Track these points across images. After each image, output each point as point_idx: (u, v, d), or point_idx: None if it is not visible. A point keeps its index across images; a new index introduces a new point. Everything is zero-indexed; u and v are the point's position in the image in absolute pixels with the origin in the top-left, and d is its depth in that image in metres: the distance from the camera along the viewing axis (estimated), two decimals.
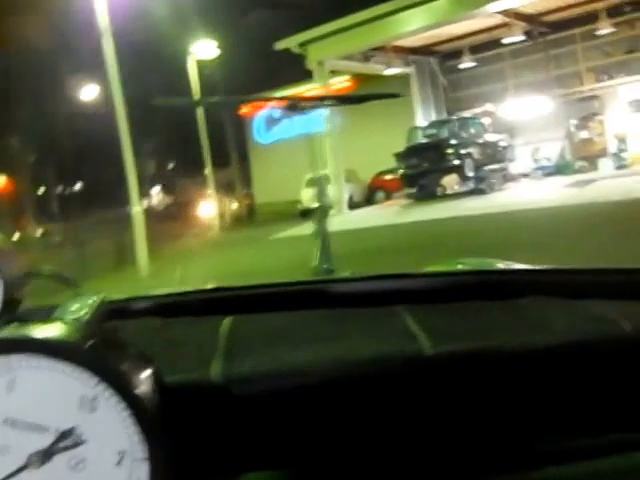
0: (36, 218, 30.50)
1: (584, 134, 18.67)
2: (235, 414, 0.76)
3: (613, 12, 17.69)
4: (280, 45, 17.40)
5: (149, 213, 19.24)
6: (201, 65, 20.92)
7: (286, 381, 0.78)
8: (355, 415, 0.77)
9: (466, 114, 19.61)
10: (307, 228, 17.03)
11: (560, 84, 19.21)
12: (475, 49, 20.10)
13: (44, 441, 0.64)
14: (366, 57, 18.63)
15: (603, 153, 18.19)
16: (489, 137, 18.57)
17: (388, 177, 20.54)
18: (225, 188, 27.82)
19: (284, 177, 21.61)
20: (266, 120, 25.45)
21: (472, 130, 18.32)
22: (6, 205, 29.74)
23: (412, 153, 18.01)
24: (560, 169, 18.48)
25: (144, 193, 13.59)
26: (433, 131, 18.65)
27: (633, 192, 11.64)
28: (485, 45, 19.82)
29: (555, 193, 14.43)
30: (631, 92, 18.30)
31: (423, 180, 18.02)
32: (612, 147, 18.01)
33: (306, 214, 20.68)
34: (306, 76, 18.77)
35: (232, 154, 28.95)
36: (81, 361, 0.63)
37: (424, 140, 18.60)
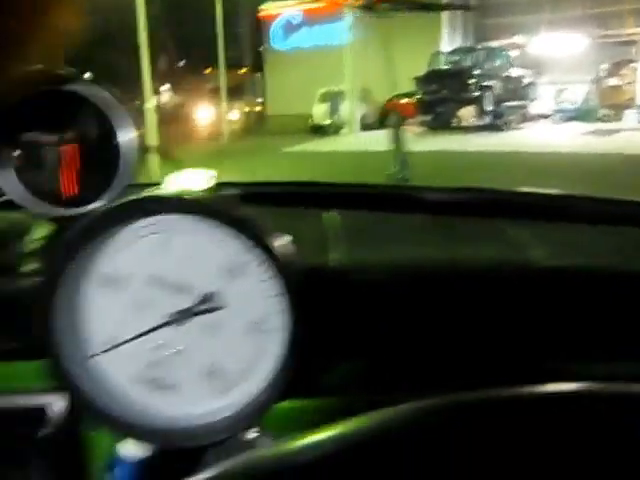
0: None
1: (614, 81, 17.86)
2: (351, 301, 0.84)
3: None
4: None
5: (157, 112, 18.95)
6: None
7: (403, 275, 0.87)
8: (462, 314, 0.85)
9: (493, 44, 19.08)
10: (319, 144, 16.94)
11: (598, 23, 18.57)
12: None
13: (187, 301, 0.68)
14: None
15: (630, 104, 17.55)
16: (514, 72, 18.07)
17: (404, 101, 20.02)
18: (236, 93, 27.20)
19: (298, 89, 21.16)
20: (284, 25, 24.82)
21: (497, 62, 17.86)
22: None
23: (432, 79, 17.55)
24: (582, 115, 17.92)
25: (154, 90, 13.37)
26: (457, 58, 18.26)
27: None
28: None
29: (573, 140, 14.05)
30: None
31: (440, 108, 17.62)
32: None
33: (317, 130, 20.47)
34: None
35: (246, 58, 28.18)
36: (242, 227, 0.66)
37: (446, 67, 18.18)
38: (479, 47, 18.75)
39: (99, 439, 0.82)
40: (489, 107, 17.11)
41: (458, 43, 20.57)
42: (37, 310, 0.68)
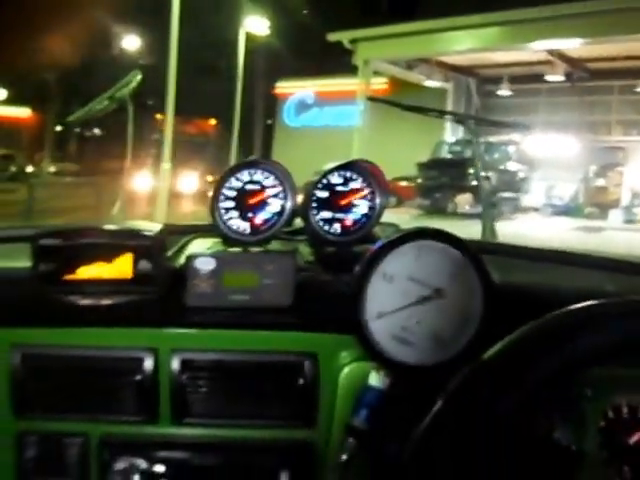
0: (52, 155, 30.46)
1: (601, 182, 18.82)
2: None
3: None
4: (333, 37, 17.49)
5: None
6: (249, 37, 21.12)
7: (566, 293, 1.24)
8: None
9: (493, 139, 19.81)
10: None
11: (589, 129, 19.53)
12: (514, 79, 20.38)
13: (425, 292, 1.07)
14: (409, 65, 18.94)
15: (615, 204, 18.39)
16: (510, 166, 18.79)
17: (403, 184, 20.62)
18: (199, 150, 27.32)
19: (303, 163, 21.56)
20: (298, 104, 25.90)
21: (496, 155, 18.55)
22: (26, 136, 29.85)
23: (434, 165, 18.29)
24: (570, 211, 18.68)
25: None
26: (458, 148, 18.96)
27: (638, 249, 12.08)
28: (525, 77, 20.06)
29: (563, 234, 14.64)
30: None
31: (438, 194, 18.22)
32: (625, 200, 18.29)
33: None
34: (344, 69, 19.00)
35: (257, 131, 29.03)
36: (462, 249, 1.07)
37: (449, 155, 18.96)
38: (481, 140, 19.19)
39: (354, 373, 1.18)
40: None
41: (461, 134, 21.30)
42: (353, 294, 1.06)
